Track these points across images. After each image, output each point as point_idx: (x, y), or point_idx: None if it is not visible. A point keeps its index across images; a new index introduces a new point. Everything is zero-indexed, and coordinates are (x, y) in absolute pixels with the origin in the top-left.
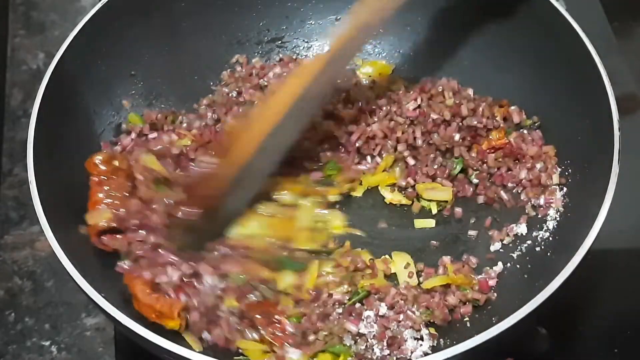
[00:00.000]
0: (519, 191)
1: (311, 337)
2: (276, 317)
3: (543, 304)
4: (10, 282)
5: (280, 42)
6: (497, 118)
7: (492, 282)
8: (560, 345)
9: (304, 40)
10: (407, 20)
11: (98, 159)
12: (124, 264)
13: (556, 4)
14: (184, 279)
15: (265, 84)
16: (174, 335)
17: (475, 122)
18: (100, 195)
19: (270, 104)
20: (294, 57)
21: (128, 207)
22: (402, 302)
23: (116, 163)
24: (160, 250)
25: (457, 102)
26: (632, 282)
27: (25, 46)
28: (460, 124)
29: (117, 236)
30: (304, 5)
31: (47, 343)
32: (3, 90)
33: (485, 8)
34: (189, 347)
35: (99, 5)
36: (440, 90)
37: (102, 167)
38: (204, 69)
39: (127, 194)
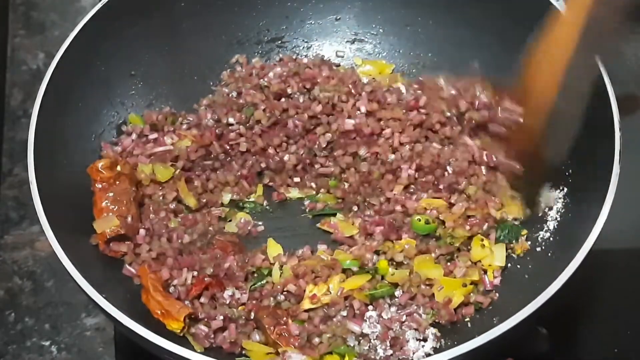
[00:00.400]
0: None
1: (315, 340)
2: (283, 318)
3: (544, 305)
4: (10, 282)
5: (280, 42)
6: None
7: (496, 281)
8: (560, 345)
9: (303, 40)
10: (407, 19)
11: (100, 165)
12: (131, 268)
13: (556, 4)
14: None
15: (266, 84)
16: (175, 334)
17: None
18: (105, 202)
19: (557, 35)
20: (294, 57)
21: None
22: (413, 303)
23: (119, 168)
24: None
25: (454, 93)
26: (632, 282)
27: (25, 46)
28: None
29: (125, 247)
30: (304, 5)
31: (47, 343)
32: (3, 90)
33: (485, 8)
34: (190, 347)
35: (99, 5)
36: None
37: (105, 173)
38: (204, 69)
39: (132, 199)
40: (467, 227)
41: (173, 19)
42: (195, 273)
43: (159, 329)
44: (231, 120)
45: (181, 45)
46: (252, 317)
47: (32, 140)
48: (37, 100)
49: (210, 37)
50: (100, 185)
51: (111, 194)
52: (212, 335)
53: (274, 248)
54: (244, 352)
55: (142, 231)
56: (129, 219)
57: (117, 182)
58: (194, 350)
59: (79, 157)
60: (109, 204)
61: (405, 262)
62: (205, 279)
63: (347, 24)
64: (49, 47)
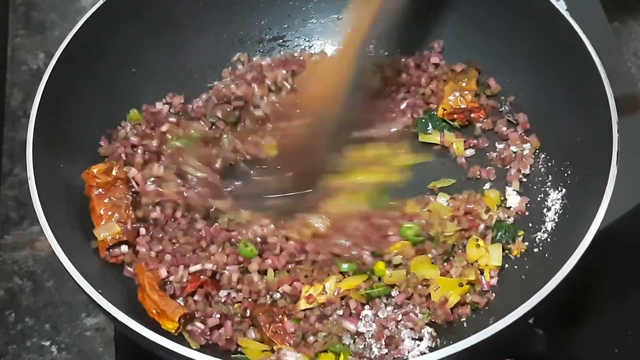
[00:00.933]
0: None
1: (311, 339)
2: (279, 316)
3: (539, 305)
4: (10, 282)
5: (281, 40)
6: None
7: (493, 281)
8: (560, 346)
9: (305, 40)
10: (409, 19)
11: (96, 170)
12: (131, 269)
13: (556, 4)
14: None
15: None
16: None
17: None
18: (103, 209)
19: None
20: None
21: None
22: (410, 302)
23: (114, 173)
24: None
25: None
26: (631, 282)
27: (26, 46)
28: None
29: (125, 248)
30: (306, 4)
31: (47, 343)
32: (3, 90)
33: (487, 9)
34: (186, 344)
35: (99, 4)
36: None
37: (101, 179)
38: (205, 68)
39: (129, 204)
40: (456, 223)
41: (174, 17)
42: (193, 269)
43: (157, 326)
44: (219, 114)
45: (183, 44)
46: (247, 315)
47: (31, 140)
48: (35, 100)
49: (212, 36)
50: (97, 192)
51: (108, 200)
52: (208, 333)
53: None
54: (239, 349)
55: (142, 230)
56: (129, 224)
57: (114, 187)
58: (190, 348)
59: (78, 156)
60: (107, 211)
61: (403, 263)
62: (201, 277)
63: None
64: (49, 47)
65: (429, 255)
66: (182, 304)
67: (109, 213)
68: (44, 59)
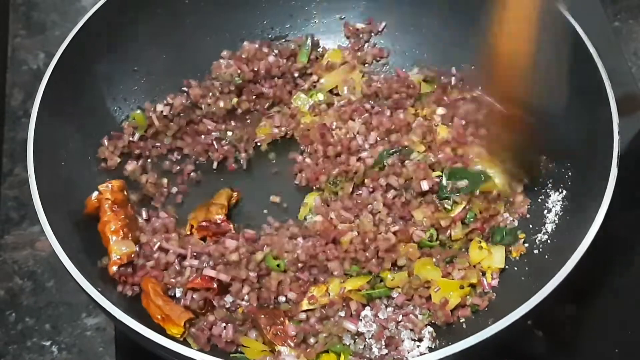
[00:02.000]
0: None
1: (311, 340)
2: (280, 318)
3: (538, 306)
4: (10, 282)
5: (283, 40)
6: None
7: (494, 282)
8: (560, 346)
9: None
10: (412, 20)
11: (117, 185)
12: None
13: (556, 4)
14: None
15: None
16: None
17: None
18: (119, 224)
19: None
20: None
21: None
22: (410, 303)
23: (125, 193)
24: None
25: None
26: (631, 283)
27: (26, 46)
28: None
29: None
30: (309, 3)
31: (48, 343)
32: (3, 90)
33: (487, 9)
34: (187, 344)
35: (99, 4)
36: None
37: (119, 195)
38: (207, 66)
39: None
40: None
41: (177, 16)
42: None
43: (157, 327)
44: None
45: (184, 42)
46: (249, 318)
47: (32, 140)
48: (36, 100)
49: (214, 34)
50: (113, 208)
51: (123, 217)
52: (209, 334)
53: None
54: (239, 349)
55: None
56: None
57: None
58: (190, 347)
59: (79, 155)
60: (123, 227)
61: (406, 264)
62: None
63: (351, 23)
64: (49, 47)
65: (433, 259)
66: (183, 298)
67: (125, 230)
68: (44, 59)
